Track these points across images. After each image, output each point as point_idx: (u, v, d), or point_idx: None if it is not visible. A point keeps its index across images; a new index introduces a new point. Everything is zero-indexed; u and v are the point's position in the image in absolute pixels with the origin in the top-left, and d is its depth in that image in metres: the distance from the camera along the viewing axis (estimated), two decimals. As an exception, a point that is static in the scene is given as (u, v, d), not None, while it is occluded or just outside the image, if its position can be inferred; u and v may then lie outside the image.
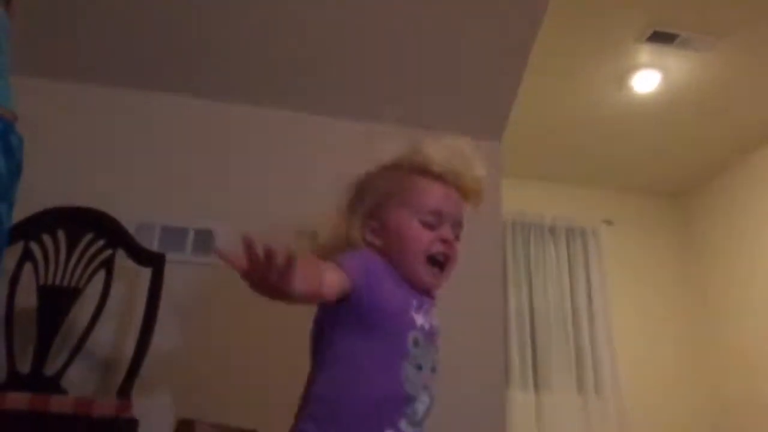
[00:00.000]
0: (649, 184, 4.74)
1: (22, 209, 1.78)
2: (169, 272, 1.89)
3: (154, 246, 2.10)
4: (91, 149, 2.25)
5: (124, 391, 1.59)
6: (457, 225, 1.14)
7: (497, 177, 2.59)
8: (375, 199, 1.11)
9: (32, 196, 1.89)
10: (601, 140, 4.13)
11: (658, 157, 4.33)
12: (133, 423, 1.39)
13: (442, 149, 1.12)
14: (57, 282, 1.80)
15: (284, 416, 2.01)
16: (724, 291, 4.38)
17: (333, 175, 2.41)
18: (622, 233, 4.65)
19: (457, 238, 1.13)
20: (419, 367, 1.05)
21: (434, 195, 1.10)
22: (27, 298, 1.80)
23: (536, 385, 4.04)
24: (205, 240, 2.23)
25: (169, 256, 1.94)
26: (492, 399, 2.31)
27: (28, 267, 1.81)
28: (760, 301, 4.04)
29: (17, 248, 1.82)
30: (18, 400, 1.36)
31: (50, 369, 1.69)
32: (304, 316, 2.23)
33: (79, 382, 1.85)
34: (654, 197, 4.86)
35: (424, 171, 1.11)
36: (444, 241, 1.09)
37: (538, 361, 4.11)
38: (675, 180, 4.69)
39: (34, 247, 1.83)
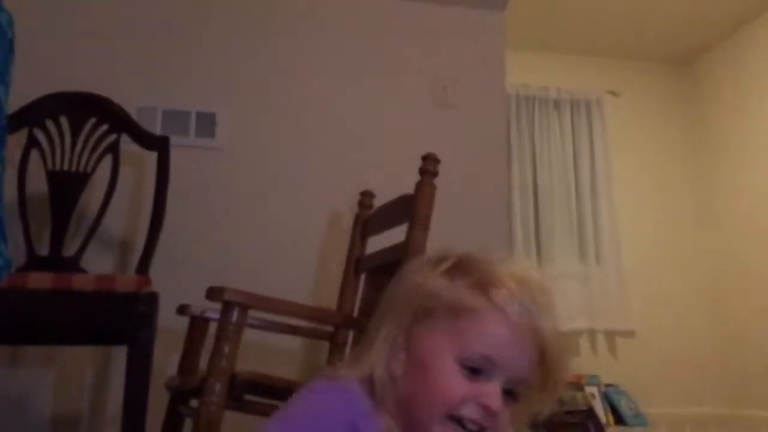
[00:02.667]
0: (655, 53, 4.63)
1: (22, 96, 1.78)
2: (173, 156, 1.91)
3: (157, 130, 2.10)
4: (88, 32, 2.20)
5: (142, 268, 1.65)
6: (518, 385, 0.75)
7: (501, 49, 2.54)
8: (413, 309, 0.76)
9: (31, 83, 1.88)
10: (606, 8, 3.99)
11: (664, 24, 4.19)
12: (154, 296, 1.45)
13: (526, 284, 0.77)
14: (65, 168, 1.83)
15: (292, 283, 2.09)
16: (729, 161, 4.38)
17: (334, 56, 2.37)
18: (626, 104, 4.60)
19: (509, 402, 0.74)
20: None
21: (497, 334, 0.73)
22: (37, 184, 1.83)
23: (539, 256, 4.16)
24: (208, 123, 2.23)
25: (173, 140, 1.94)
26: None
27: (34, 154, 1.83)
28: (766, 170, 4.05)
29: (22, 135, 1.84)
30: (41, 279, 1.42)
31: (68, 251, 1.75)
32: (301, 196, 2.26)
33: (98, 262, 1.92)
34: (660, 66, 4.75)
35: (493, 297, 0.74)
36: (485, 406, 0.71)
37: (540, 232, 4.20)
38: (681, 48, 4.57)
39: (38, 133, 1.84)
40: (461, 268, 0.77)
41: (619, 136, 4.52)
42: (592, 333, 4.23)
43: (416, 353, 0.74)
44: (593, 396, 3.76)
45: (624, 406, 3.92)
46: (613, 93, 4.57)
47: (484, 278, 0.75)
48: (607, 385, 4.01)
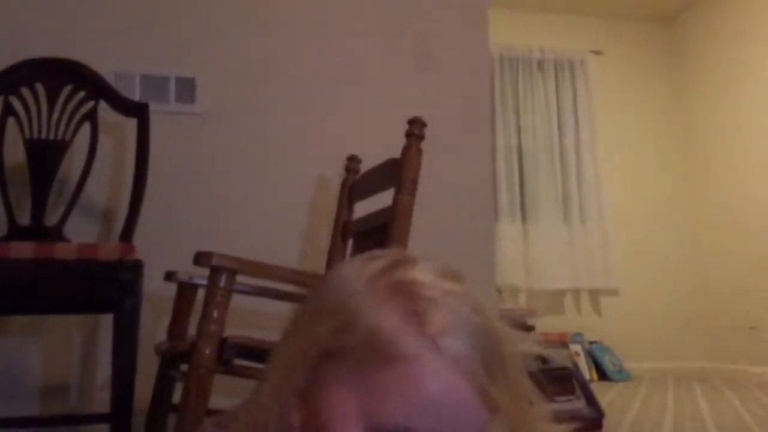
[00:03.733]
0: (639, 11, 4.60)
1: (-4, 62, 1.74)
2: (153, 123, 1.88)
3: (135, 96, 2.07)
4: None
5: (126, 236, 1.64)
6: None
7: (484, 8, 2.50)
8: (310, 355, 0.52)
9: (4, 49, 1.83)
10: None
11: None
12: (138, 264, 1.45)
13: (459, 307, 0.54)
14: (43, 136, 1.79)
15: (279, 249, 2.09)
16: (714, 119, 4.40)
17: (315, 18, 2.33)
18: (610, 63, 4.59)
19: None
20: None
21: (420, 390, 0.49)
22: (16, 153, 1.80)
23: (524, 217, 4.18)
24: (187, 88, 2.19)
25: (152, 107, 1.91)
26: (482, 231, 2.40)
27: (11, 122, 1.79)
28: (749, 127, 4.07)
29: (-3, 104, 1.80)
30: (22, 248, 1.40)
31: (50, 220, 1.73)
32: (286, 161, 2.25)
33: (81, 231, 1.90)
34: (643, 24, 4.73)
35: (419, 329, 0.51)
36: None
37: (525, 194, 4.22)
38: (664, 5, 4.55)
39: (14, 101, 1.80)
40: (392, 278, 0.53)
41: (603, 96, 4.52)
42: (576, 292, 4.29)
43: (315, 415, 0.50)
44: (577, 353, 3.83)
45: (607, 362, 4.00)
46: (597, 52, 4.55)
47: (421, 303, 0.51)
48: (591, 343, 4.09)
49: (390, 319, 0.50)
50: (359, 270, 0.55)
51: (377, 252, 0.58)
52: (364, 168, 1.84)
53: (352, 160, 1.91)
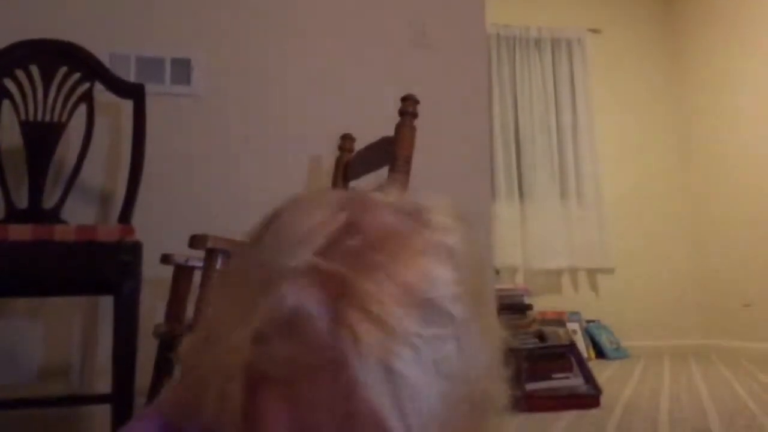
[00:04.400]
0: (638, -12, 4.57)
1: (-11, 44, 1.73)
2: (149, 104, 1.87)
3: (131, 78, 2.06)
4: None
5: (124, 218, 1.65)
6: None
7: (480, -14, 2.49)
8: (243, 336, 0.44)
9: (-3, 31, 1.82)
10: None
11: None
12: (137, 245, 1.45)
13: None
14: (39, 118, 1.79)
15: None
16: (712, 99, 4.39)
17: (310, 2, 2.31)
18: (608, 42, 4.57)
19: None
20: None
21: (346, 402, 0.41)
22: (12, 135, 1.80)
23: (521, 196, 4.19)
24: (183, 70, 2.18)
25: (148, 88, 1.91)
26: (479, 211, 2.40)
27: (6, 105, 1.79)
28: (747, 106, 4.07)
29: (-9, 86, 1.79)
30: (21, 231, 1.41)
31: (48, 203, 1.73)
32: (281, 142, 2.25)
33: (78, 214, 1.90)
34: (641, 2, 4.70)
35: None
36: None
37: (522, 173, 4.22)
38: (665, -18, 4.51)
39: (9, 83, 1.79)
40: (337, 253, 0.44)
41: (600, 75, 4.51)
42: (573, 271, 4.31)
43: (252, 421, 0.43)
44: (575, 332, 3.85)
45: (605, 341, 4.03)
46: (594, 31, 4.53)
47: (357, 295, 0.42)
48: (589, 321, 4.12)
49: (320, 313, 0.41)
50: (309, 232, 0.45)
51: (345, 195, 0.49)
52: (358, 147, 1.84)
53: (346, 139, 1.91)
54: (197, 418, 0.44)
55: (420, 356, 0.41)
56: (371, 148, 1.62)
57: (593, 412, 2.18)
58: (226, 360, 0.43)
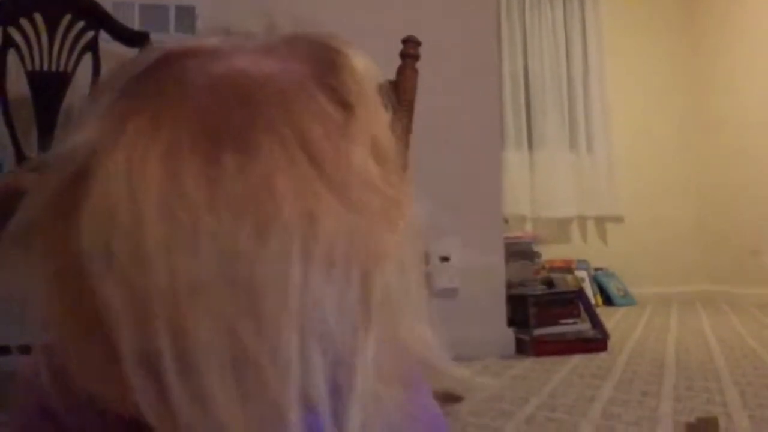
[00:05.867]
0: (652, -71, 4.44)
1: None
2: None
3: (135, 26, 2.04)
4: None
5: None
6: None
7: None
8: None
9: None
10: None
11: None
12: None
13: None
14: (45, 68, 1.79)
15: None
16: (725, 45, 4.31)
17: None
18: (620, -12, 4.46)
19: None
20: None
21: None
22: (19, 85, 1.80)
23: (530, 145, 4.17)
24: (187, 17, 2.16)
25: (152, 37, 1.89)
26: (489, 160, 2.40)
27: (12, 54, 1.78)
28: (763, 54, 4.00)
29: (-4, 35, 1.78)
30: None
31: (57, 153, 1.74)
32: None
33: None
34: (656, -56, 4.58)
35: None
36: None
37: (532, 121, 4.19)
38: None
39: (14, 32, 1.78)
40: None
41: (612, 20, 4.42)
42: (582, 219, 4.31)
43: None
44: (583, 280, 3.88)
45: (612, 288, 4.06)
46: (605, -25, 4.42)
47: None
48: (597, 269, 4.14)
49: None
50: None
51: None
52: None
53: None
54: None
55: None
56: (376, 93, 1.61)
57: (600, 355, 2.22)
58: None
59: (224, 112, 0.32)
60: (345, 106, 0.35)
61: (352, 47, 0.40)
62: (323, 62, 0.37)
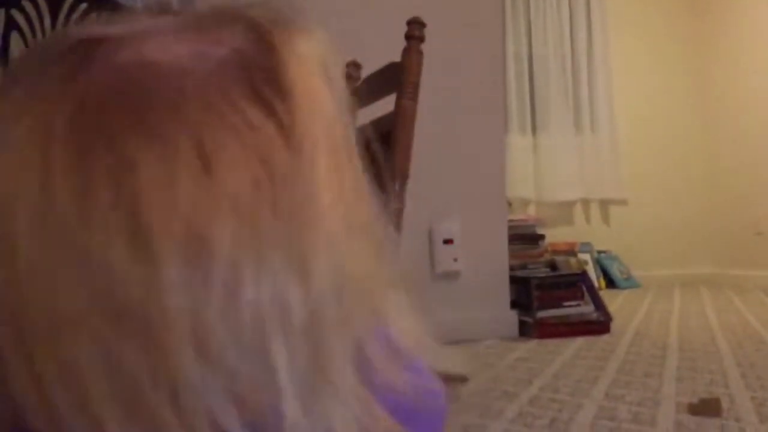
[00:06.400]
0: None
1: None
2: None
3: (138, 6, 2.03)
4: None
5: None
6: None
7: None
8: None
9: (0, -40, 1.78)
10: None
11: None
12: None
13: None
14: (48, 51, 1.78)
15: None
16: (728, 29, 4.28)
17: None
18: (626, -32, 4.42)
19: None
20: None
21: None
22: (21, 68, 1.80)
23: (534, 128, 4.15)
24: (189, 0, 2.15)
25: (156, 17, 1.89)
26: (493, 141, 2.39)
27: (15, 36, 1.78)
28: (764, 40, 3.96)
29: (-1, 18, 1.78)
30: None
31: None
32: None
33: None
34: (662, -77, 4.52)
35: None
36: None
37: (535, 102, 4.17)
38: None
39: (16, 14, 1.78)
40: None
41: (616, 5, 4.38)
42: (585, 202, 4.31)
43: None
44: (586, 262, 3.88)
45: (616, 270, 4.07)
46: (611, -45, 4.37)
47: None
48: (600, 252, 4.14)
49: None
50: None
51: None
52: (365, 75, 1.82)
53: (352, 66, 1.88)
54: None
55: None
56: (377, 75, 1.60)
57: (604, 338, 2.23)
58: None
59: (102, 115, 0.28)
60: (271, 105, 0.29)
61: (297, 24, 0.34)
62: (252, 47, 0.31)
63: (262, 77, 0.30)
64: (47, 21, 1.79)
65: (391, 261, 0.36)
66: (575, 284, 2.42)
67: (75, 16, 1.81)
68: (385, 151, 1.39)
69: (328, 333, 0.29)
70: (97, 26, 0.31)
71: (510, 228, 2.48)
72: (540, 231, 2.91)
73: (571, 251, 3.69)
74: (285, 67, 0.30)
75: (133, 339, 0.26)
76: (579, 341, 2.16)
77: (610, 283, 4.03)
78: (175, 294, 0.26)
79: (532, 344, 2.15)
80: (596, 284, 3.62)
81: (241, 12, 0.33)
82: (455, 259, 2.27)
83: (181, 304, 0.26)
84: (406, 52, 1.38)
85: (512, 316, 2.34)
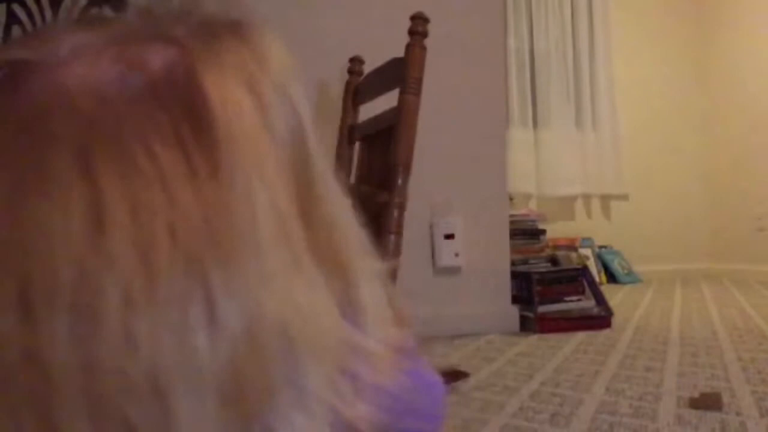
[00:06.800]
0: None
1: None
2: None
3: (139, 1, 2.03)
4: None
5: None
6: None
7: None
8: None
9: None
10: None
11: None
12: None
13: None
14: (49, 45, 1.78)
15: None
16: (733, 24, 4.27)
17: None
18: (627, -38, 4.40)
19: None
20: None
21: None
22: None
23: (535, 123, 4.14)
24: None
25: (157, 12, 1.89)
26: (494, 136, 2.39)
27: (17, 30, 1.78)
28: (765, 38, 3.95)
29: (0, 12, 1.78)
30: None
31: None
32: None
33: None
34: None
35: None
36: None
37: (537, 98, 4.16)
38: None
39: (18, 9, 1.78)
40: None
41: (618, 0, 4.36)
42: (587, 197, 4.30)
43: None
44: (587, 257, 3.88)
45: (617, 265, 4.07)
46: (613, -51, 4.35)
47: None
48: (601, 247, 4.14)
49: None
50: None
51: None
52: (367, 70, 1.82)
53: (355, 62, 1.88)
54: None
55: None
56: (381, 70, 1.60)
57: (605, 332, 2.23)
58: None
59: (3, 155, 0.26)
60: (189, 145, 0.27)
61: (227, 39, 0.32)
62: (174, 73, 0.29)
63: (181, 112, 0.28)
64: (48, 15, 1.79)
65: (370, 256, 0.35)
66: (576, 279, 2.42)
67: (76, 10, 1.81)
68: (387, 144, 1.39)
69: (258, 372, 0.27)
70: (18, 48, 0.30)
71: (511, 223, 2.48)
72: (541, 226, 2.91)
73: (572, 246, 3.69)
74: (206, 101, 0.28)
75: (23, 405, 0.24)
76: (580, 336, 2.16)
77: (611, 278, 4.03)
78: (62, 350, 0.24)
79: (533, 339, 2.15)
80: (597, 279, 3.63)
81: (169, 28, 0.31)
82: (456, 254, 2.27)
83: (69, 360, 0.24)
84: (409, 47, 1.38)
85: (513, 311, 2.34)
